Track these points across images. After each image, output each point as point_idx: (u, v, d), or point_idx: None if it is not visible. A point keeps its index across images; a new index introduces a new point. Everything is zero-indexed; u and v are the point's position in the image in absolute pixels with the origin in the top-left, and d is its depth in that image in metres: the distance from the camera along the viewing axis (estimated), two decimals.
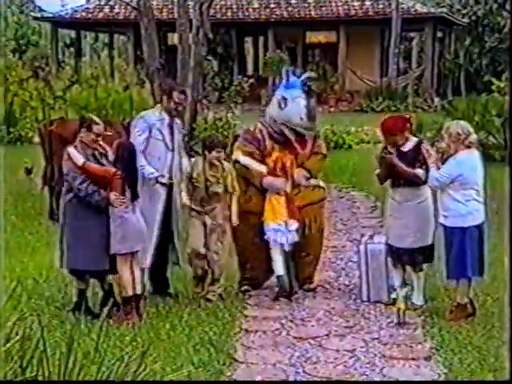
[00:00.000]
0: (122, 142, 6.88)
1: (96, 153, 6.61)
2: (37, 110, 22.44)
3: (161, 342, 6.18)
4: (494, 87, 32.17)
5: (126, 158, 6.55)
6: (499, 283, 7.49)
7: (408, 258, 6.90)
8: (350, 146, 18.64)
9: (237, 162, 7.41)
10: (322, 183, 7.69)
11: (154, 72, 12.13)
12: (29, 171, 13.10)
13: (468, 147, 6.47)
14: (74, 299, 6.92)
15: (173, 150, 7.17)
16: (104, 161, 6.63)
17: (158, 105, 7.57)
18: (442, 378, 5.59)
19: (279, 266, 7.22)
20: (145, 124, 7.11)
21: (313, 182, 7.49)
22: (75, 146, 6.60)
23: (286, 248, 7.21)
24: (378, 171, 7.10)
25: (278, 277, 7.23)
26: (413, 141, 6.86)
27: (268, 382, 5.67)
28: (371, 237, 7.48)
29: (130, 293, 6.56)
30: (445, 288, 7.35)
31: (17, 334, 5.70)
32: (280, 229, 7.12)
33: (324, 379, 5.56)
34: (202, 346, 6.11)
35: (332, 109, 28.86)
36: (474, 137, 6.51)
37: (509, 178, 10.60)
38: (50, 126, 10.93)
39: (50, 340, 6.14)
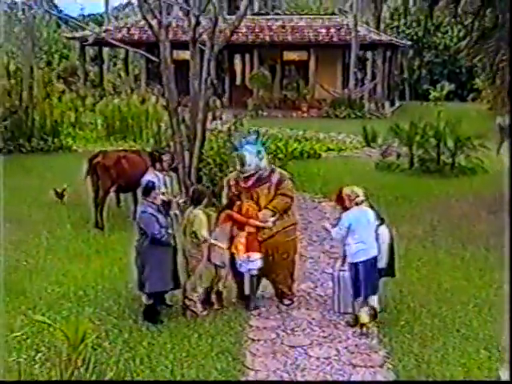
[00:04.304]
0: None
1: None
2: (70, 118, 22.84)
3: (192, 351, 6.48)
4: (431, 97, 32.88)
5: None
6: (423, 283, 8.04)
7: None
8: (319, 156, 18.49)
9: None
10: (292, 217, 7.81)
11: (174, 109, 12.71)
12: (59, 195, 12.87)
13: (357, 204, 7.17)
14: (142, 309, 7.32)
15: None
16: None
17: (152, 168, 8.52)
18: None
19: (247, 287, 7.83)
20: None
21: (273, 218, 7.53)
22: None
23: (253, 273, 7.57)
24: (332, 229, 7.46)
25: (247, 294, 7.80)
26: None
27: (268, 382, 5.84)
28: (342, 264, 7.71)
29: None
30: (393, 300, 7.67)
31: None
32: (242, 263, 7.51)
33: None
34: (222, 354, 6.35)
35: (305, 114, 29.48)
36: (360, 198, 7.17)
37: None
38: (96, 157, 11.54)
39: (113, 348, 6.55)
